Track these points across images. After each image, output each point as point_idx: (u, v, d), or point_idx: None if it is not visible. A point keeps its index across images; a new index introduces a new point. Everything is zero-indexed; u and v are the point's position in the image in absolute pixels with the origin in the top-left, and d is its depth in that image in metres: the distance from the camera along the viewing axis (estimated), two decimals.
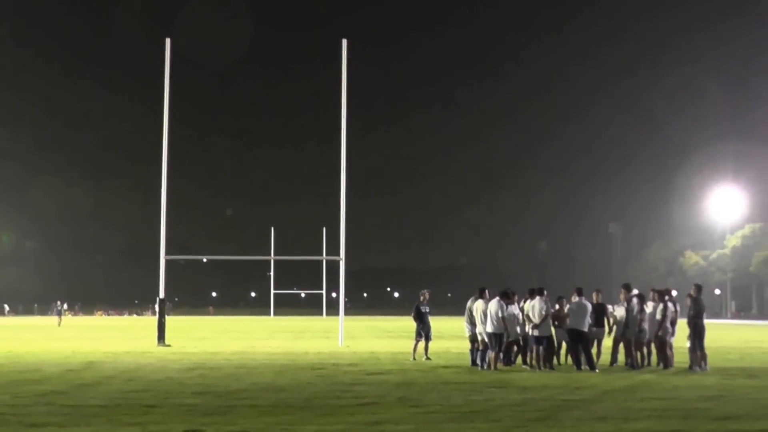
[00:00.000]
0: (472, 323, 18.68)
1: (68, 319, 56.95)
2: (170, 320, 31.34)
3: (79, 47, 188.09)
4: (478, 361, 18.15)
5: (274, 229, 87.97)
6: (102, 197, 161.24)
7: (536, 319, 17.80)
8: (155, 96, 31.85)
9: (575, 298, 18.36)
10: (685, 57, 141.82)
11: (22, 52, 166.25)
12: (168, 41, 29.43)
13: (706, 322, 18.19)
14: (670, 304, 18.19)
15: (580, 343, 18.03)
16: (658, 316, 18.09)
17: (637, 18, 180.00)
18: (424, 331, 20.63)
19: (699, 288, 18.22)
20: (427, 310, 20.91)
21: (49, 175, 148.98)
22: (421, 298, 21.10)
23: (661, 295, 18.37)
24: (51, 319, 72.09)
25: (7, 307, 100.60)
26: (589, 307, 18.26)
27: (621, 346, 18.64)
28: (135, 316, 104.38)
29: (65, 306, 50.66)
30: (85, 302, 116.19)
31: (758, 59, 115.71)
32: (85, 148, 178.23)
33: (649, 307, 18.47)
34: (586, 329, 18.02)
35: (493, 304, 17.74)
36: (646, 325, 18.22)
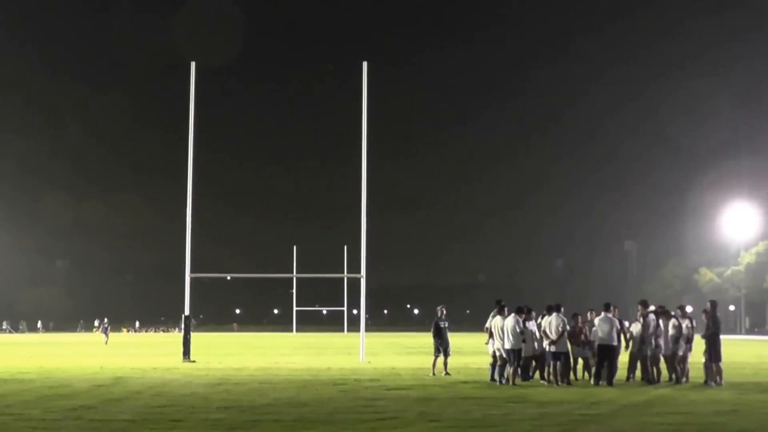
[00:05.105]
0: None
1: (97, 335, 57.43)
2: (195, 337, 31.64)
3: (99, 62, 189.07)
4: (497, 377, 18.33)
5: (297, 248, 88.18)
6: (129, 217, 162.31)
7: (553, 335, 17.97)
8: (181, 114, 32.21)
9: (600, 314, 18.55)
10: (698, 74, 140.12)
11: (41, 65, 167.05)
12: (193, 64, 29.60)
13: (721, 337, 18.28)
14: (685, 320, 18.36)
15: (607, 359, 18.07)
16: (672, 332, 18.25)
17: (650, 36, 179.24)
18: (442, 347, 20.73)
19: (714, 304, 18.35)
20: (446, 326, 21.02)
21: (75, 195, 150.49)
22: (439, 313, 21.23)
23: (665, 312, 18.63)
24: (80, 336, 72.75)
25: (39, 323, 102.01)
26: (616, 321, 18.40)
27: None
28: (162, 332, 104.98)
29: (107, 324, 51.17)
30: (114, 320, 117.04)
31: None
32: (116, 169, 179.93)
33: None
34: (615, 343, 18.16)
35: (510, 320, 17.96)
36: (662, 341, 18.35)
